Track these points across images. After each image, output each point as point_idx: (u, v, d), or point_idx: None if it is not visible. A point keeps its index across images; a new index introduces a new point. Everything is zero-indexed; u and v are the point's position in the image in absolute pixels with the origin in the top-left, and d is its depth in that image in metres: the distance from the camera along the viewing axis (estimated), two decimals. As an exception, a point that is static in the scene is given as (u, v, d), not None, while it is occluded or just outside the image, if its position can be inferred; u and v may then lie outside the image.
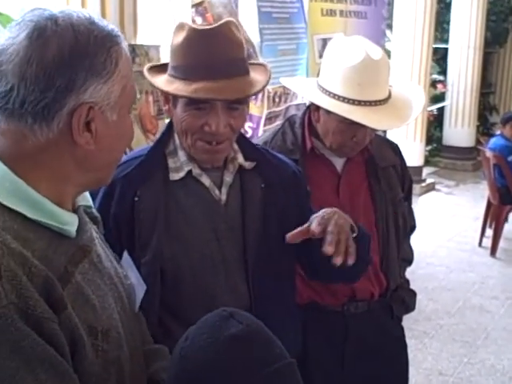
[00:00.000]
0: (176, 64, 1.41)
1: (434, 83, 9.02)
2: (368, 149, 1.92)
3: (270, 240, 1.49)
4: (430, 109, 8.60)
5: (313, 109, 1.88)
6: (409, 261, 2.18)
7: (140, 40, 3.35)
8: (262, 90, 1.49)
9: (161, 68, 1.49)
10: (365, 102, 1.74)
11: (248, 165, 1.52)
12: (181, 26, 1.41)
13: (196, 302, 1.43)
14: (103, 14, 3.05)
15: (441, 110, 9.35)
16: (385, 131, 4.06)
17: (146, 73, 1.47)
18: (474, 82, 9.01)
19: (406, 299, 2.07)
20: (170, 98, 1.44)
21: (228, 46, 1.38)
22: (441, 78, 9.37)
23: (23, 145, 0.91)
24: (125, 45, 0.98)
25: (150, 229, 1.42)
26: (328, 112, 1.79)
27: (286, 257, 1.52)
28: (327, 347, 1.92)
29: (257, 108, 4.13)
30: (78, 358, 0.91)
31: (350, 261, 1.38)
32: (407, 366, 2.10)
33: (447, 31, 9.23)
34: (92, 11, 2.78)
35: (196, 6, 3.75)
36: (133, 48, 3.07)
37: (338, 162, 1.93)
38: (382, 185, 1.95)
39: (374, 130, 1.83)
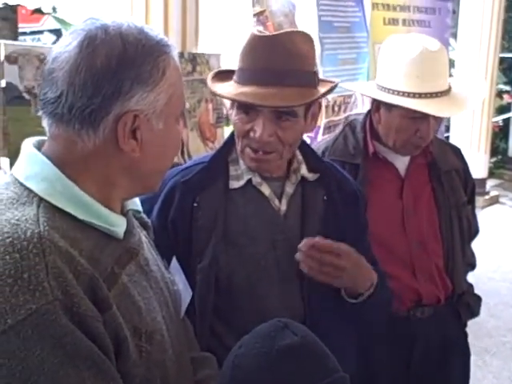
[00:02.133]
0: (237, 68, 1.43)
1: (500, 93, 8.77)
2: (430, 151, 1.92)
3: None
4: (495, 119, 8.35)
5: (373, 110, 1.89)
6: (472, 265, 2.15)
7: (201, 49, 3.40)
8: (311, 102, 1.42)
9: (228, 74, 1.49)
10: (425, 94, 1.74)
11: (311, 176, 1.51)
12: (248, 33, 1.42)
13: (249, 312, 1.43)
14: (166, 24, 3.11)
15: (507, 121, 9.08)
16: (447, 137, 4.00)
17: (209, 77, 1.48)
18: (542, 92, 8.71)
19: (471, 304, 2.04)
20: (234, 104, 1.44)
21: (283, 55, 1.36)
22: (507, 88, 9.11)
23: (72, 149, 0.94)
24: (175, 54, 0.99)
25: (207, 236, 1.43)
26: (389, 110, 1.80)
27: None
28: (394, 353, 1.89)
29: (315, 117, 4.12)
30: (122, 358, 0.92)
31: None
32: (468, 375, 2.08)
33: (515, 40, 8.98)
34: (155, 21, 2.86)
35: (257, 15, 3.78)
36: (194, 56, 3.13)
37: (401, 166, 1.92)
38: (445, 188, 1.93)
39: (436, 123, 1.81)
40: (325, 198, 1.50)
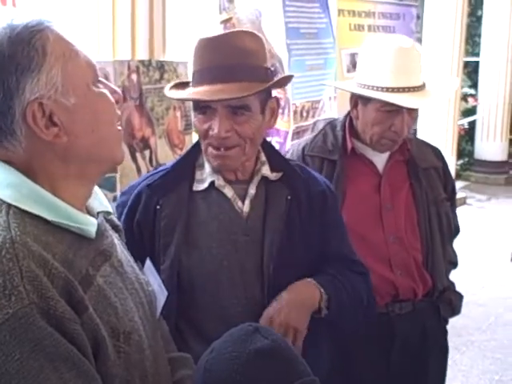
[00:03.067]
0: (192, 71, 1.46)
1: (465, 97, 8.93)
2: (408, 149, 1.98)
3: (291, 253, 1.48)
4: (460, 122, 8.50)
5: (352, 107, 1.95)
6: (454, 263, 2.18)
7: (169, 56, 3.41)
8: (266, 97, 1.46)
9: (188, 84, 1.51)
10: (398, 88, 1.82)
11: (274, 176, 1.52)
12: (196, 39, 1.45)
13: (211, 313, 1.45)
14: (133, 32, 3.12)
15: (472, 124, 9.25)
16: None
17: (167, 87, 1.52)
18: (505, 95, 8.89)
19: (453, 301, 2.07)
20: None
21: (232, 52, 1.39)
22: (472, 91, 9.28)
23: (14, 158, 0.94)
24: (53, 26, 0.94)
25: (169, 236, 1.45)
26: (365, 105, 1.87)
27: (306, 270, 1.51)
28: (373, 352, 1.92)
29: (284, 123, 4.15)
30: (101, 359, 0.92)
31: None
32: (445, 373, 2.11)
33: (478, 44, 9.15)
34: (122, 29, 2.85)
35: (224, 22, 3.80)
36: (161, 64, 3.13)
37: (379, 163, 1.97)
38: (423, 185, 1.98)
39: (411, 119, 1.87)
40: (289, 197, 1.51)
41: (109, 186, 3.66)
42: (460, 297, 2.13)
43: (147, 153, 3.19)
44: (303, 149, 1.99)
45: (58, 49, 0.93)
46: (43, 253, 0.88)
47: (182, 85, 1.53)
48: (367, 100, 1.87)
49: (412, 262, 1.94)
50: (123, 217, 1.49)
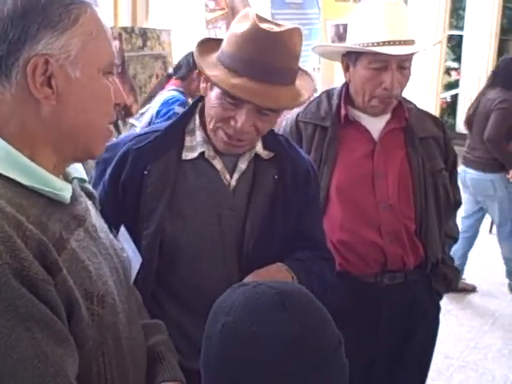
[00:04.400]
0: (228, 51, 1.38)
1: (448, 70, 8.96)
2: (406, 117, 1.95)
3: (271, 231, 1.50)
4: (443, 96, 8.55)
5: (344, 71, 1.95)
6: (454, 237, 2.17)
7: (152, 24, 3.38)
8: (299, 106, 1.52)
9: (215, 44, 1.46)
10: (384, 42, 1.81)
11: (266, 154, 1.53)
12: (246, 16, 1.39)
13: (190, 281, 1.46)
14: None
15: (454, 98, 9.28)
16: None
17: (196, 47, 1.45)
18: (488, 69, 8.88)
19: (449, 275, 2.04)
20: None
21: (284, 54, 1.36)
22: (455, 65, 9.30)
23: (3, 105, 0.93)
24: (95, 9, 0.97)
25: (155, 203, 1.44)
26: (355, 65, 1.88)
27: (281, 247, 1.52)
28: (360, 319, 1.92)
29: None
30: (75, 320, 0.93)
31: None
32: (434, 345, 2.12)
33: (463, 18, 9.13)
34: (105, -4, 2.80)
35: (208, -10, 3.77)
36: (144, 31, 3.12)
37: (374, 130, 1.96)
38: (420, 154, 1.96)
39: (402, 77, 1.86)
40: (276, 177, 1.52)
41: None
42: (457, 272, 2.12)
43: (129, 121, 3.19)
44: (297, 115, 1.99)
45: (89, 25, 0.95)
46: (17, 215, 0.88)
47: (208, 44, 1.47)
48: (356, 60, 1.87)
49: (403, 230, 1.92)
50: (107, 176, 1.48)
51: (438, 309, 2.10)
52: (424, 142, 1.98)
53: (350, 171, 1.91)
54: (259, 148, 1.52)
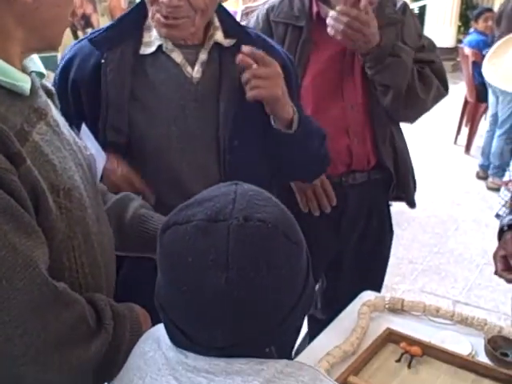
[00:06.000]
0: None
1: (416, -20, 8.79)
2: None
3: (247, 122, 1.47)
4: (411, 7, 8.41)
5: None
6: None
7: None
8: None
9: None
10: None
11: (227, 42, 1.48)
12: None
13: (162, 175, 1.45)
14: None
15: (422, 9, 9.17)
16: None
17: None
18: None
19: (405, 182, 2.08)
20: None
21: None
22: (423, -25, 9.13)
23: None
24: None
25: (117, 90, 1.42)
26: None
27: (261, 138, 1.50)
28: (325, 219, 1.97)
29: (233, 2, 4.05)
30: (42, 212, 0.92)
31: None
32: (391, 244, 2.20)
33: None
34: None
35: None
36: None
37: None
38: None
39: None
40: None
41: (51, 66, 3.56)
42: (414, 183, 2.14)
43: (89, 31, 3.08)
44: (267, 11, 1.93)
45: None
46: None
47: None
48: None
49: (367, 129, 1.94)
50: (56, 78, 1.45)
51: (390, 217, 2.16)
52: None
53: (320, 72, 1.88)
54: (219, 37, 1.48)
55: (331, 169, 1.91)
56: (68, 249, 0.98)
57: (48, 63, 3.17)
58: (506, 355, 1.44)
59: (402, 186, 2.07)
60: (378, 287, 2.13)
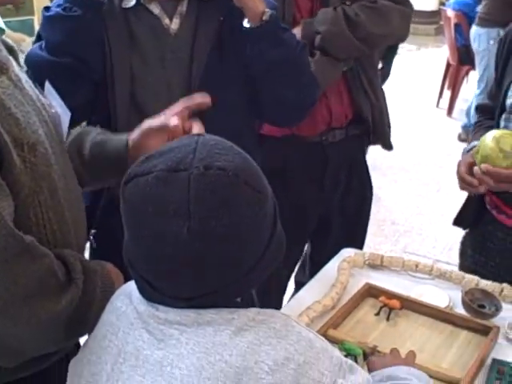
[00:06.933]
0: None
1: None
2: None
3: (222, 73, 1.48)
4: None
5: None
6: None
7: None
8: None
9: None
10: None
11: None
12: None
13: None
14: None
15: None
16: None
17: None
18: None
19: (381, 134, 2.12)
20: None
21: None
22: None
23: None
24: None
25: (118, 45, 1.45)
26: None
27: (237, 89, 1.51)
28: (307, 177, 2.01)
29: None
30: (6, 166, 0.91)
31: None
32: (371, 200, 2.23)
33: None
34: None
35: None
36: None
37: None
38: None
39: None
40: (221, 18, 1.48)
41: (27, 30, 3.49)
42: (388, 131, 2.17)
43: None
44: None
45: None
46: None
47: None
48: None
49: (343, 84, 1.96)
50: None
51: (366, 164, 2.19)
52: None
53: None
54: None
55: (311, 129, 1.94)
56: (34, 204, 0.97)
57: (24, 27, 3.11)
58: (483, 307, 1.45)
59: (379, 133, 2.09)
60: (360, 246, 2.15)
